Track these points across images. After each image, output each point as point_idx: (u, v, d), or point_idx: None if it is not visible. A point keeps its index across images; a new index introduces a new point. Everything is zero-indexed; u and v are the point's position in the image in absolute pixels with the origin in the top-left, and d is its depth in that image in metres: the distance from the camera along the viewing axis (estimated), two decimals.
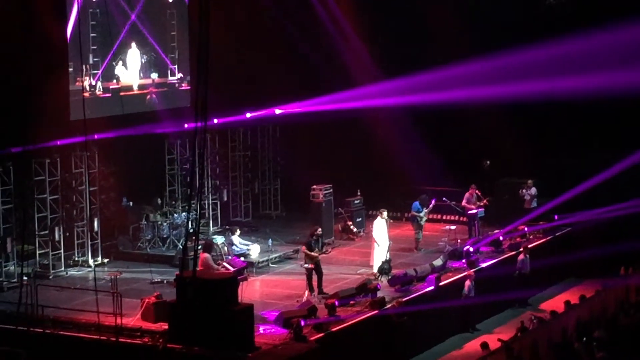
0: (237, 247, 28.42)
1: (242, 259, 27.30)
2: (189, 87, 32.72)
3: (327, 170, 32.51)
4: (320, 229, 26.52)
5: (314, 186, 30.74)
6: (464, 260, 28.02)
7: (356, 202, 32.19)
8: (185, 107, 32.36)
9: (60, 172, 27.76)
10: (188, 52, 32.49)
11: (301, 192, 31.77)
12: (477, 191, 30.64)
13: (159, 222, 29.63)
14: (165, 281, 26.06)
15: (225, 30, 29.17)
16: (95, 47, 29.44)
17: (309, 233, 26.54)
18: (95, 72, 29.60)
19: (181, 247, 28.37)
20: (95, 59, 29.50)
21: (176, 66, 32.51)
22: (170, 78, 32.48)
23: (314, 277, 25.34)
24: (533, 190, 31.33)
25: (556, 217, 31.13)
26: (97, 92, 29.73)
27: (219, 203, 32.88)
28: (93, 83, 29.54)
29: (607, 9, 30.47)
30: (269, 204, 35.54)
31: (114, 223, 29.98)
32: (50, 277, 26.94)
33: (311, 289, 25.15)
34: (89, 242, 28.41)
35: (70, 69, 28.70)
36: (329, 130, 34.60)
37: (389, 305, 24.31)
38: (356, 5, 33.74)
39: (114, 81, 30.40)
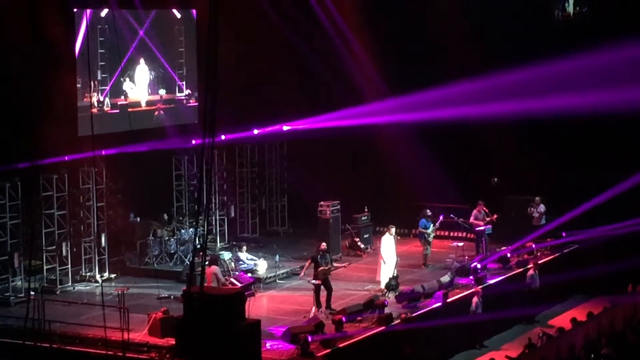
0: (244, 263, 28.46)
1: (249, 274, 27.34)
2: (196, 104, 32.79)
3: (334, 186, 32.48)
4: (324, 244, 26.43)
5: (322, 202, 30.70)
6: (471, 277, 27.98)
7: (363, 218, 32.17)
8: (193, 123, 32.43)
9: (67, 187, 27.82)
10: (196, 68, 32.58)
11: (308, 209, 31.74)
12: (484, 208, 30.56)
13: (166, 238, 29.62)
14: (172, 297, 26.05)
15: (233, 47, 29.24)
16: (103, 63, 29.56)
17: (315, 249, 26.53)
18: (104, 88, 29.71)
19: (188, 263, 28.36)
20: (103, 75, 29.61)
21: (184, 82, 32.59)
22: (178, 94, 32.56)
23: (322, 293, 25.31)
24: (541, 208, 31.23)
25: (564, 234, 31.05)
26: (105, 108, 29.83)
27: (226, 219, 32.87)
28: (101, 99, 29.65)
29: (617, 24, 30.41)
30: (276, 220, 35.50)
31: (122, 239, 30.01)
32: (58, 292, 26.95)
33: (318, 305, 25.10)
34: (97, 258, 28.45)
35: (79, 85, 28.82)
36: (336, 146, 34.58)
37: (396, 322, 24.25)
38: (365, 22, 33.72)
39: (122, 97, 30.50)
